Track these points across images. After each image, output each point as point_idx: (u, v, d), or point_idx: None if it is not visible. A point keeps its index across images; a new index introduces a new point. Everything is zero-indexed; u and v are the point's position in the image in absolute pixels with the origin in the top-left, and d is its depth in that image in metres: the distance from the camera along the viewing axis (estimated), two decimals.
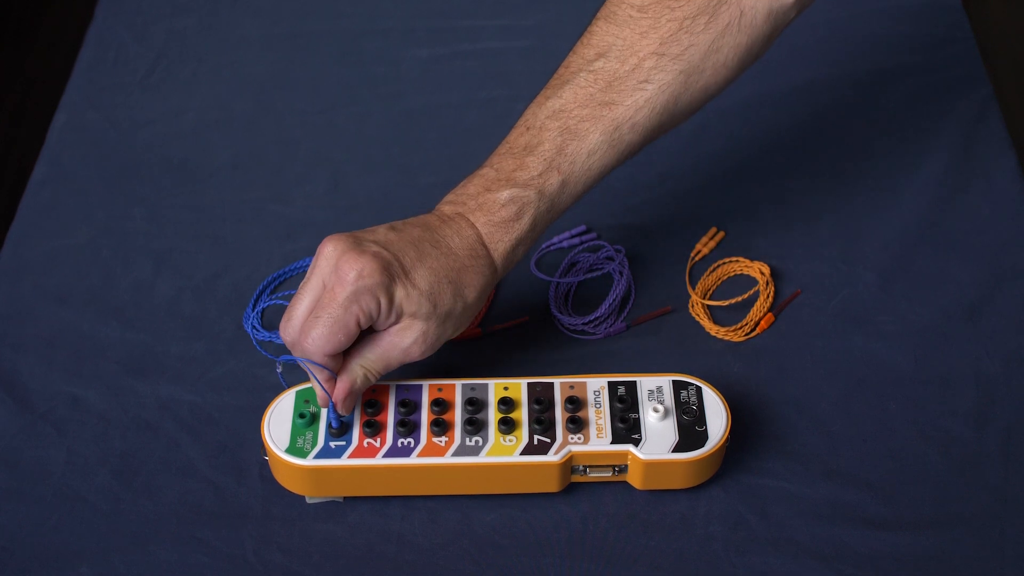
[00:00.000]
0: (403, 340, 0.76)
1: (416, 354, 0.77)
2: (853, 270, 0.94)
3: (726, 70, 0.79)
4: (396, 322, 0.76)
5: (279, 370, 0.79)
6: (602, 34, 0.80)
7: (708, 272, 0.94)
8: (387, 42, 1.16)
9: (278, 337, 0.90)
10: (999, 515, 0.79)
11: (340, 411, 0.77)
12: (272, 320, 0.92)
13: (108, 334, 0.91)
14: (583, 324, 0.90)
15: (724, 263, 0.95)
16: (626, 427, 0.78)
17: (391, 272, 0.74)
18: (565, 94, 0.80)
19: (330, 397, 0.77)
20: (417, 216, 0.79)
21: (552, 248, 0.97)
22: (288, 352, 0.77)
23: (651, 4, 0.78)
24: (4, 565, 0.77)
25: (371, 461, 0.77)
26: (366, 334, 0.77)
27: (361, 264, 0.73)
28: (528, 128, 0.80)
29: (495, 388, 0.81)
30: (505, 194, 0.78)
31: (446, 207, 0.80)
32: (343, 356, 0.76)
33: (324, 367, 0.75)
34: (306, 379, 0.80)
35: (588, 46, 0.80)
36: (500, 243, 0.78)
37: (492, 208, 0.78)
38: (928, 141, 1.04)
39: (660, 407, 0.79)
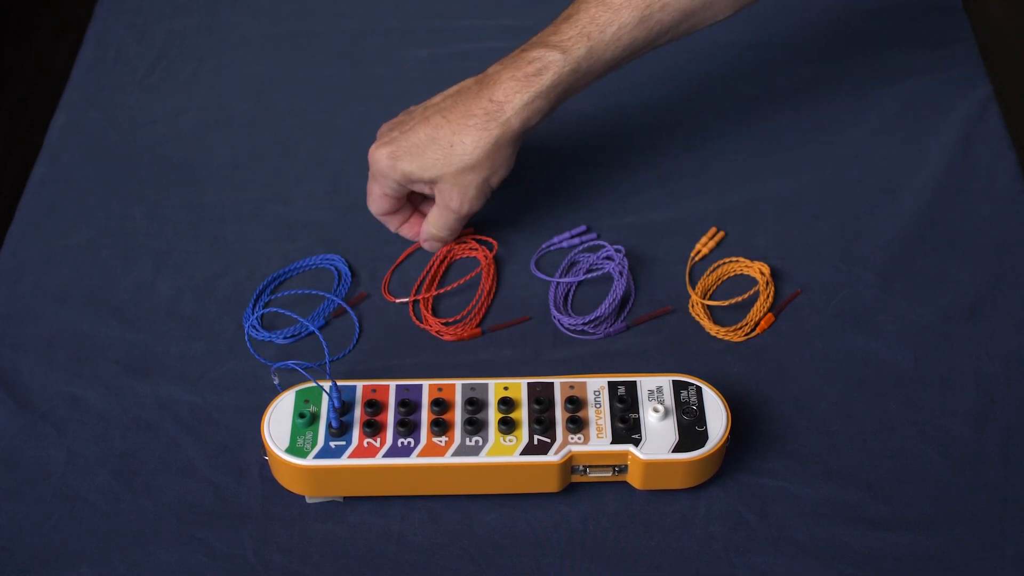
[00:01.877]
0: (442, 199, 0.90)
1: (456, 207, 0.89)
2: (853, 270, 0.94)
3: None
4: (433, 188, 0.89)
5: (276, 381, 0.79)
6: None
7: (708, 272, 0.94)
8: (387, 42, 1.16)
9: (277, 338, 0.90)
10: (999, 515, 0.79)
11: (432, 247, 0.94)
12: (272, 320, 0.92)
13: (108, 334, 0.91)
14: (583, 324, 0.90)
15: (724, 263, 0.95)
16: (626, 427, 0.78)
17: (397, 155, 0.88)
18: None
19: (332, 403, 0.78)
20: (465, 80, 0.90)
21: (552, 248, 0.97)
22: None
23: None
24: (4, 565, 0.77)
25: (371, 461, 0.77)
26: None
27: (374, 155, 0.90)
28: (571, 4, 0.89)
29: (495, 388, 0.81)
30: (534, 53, 0.87)
31: (490, 67, 0.89)
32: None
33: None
34: (305, 380, 0.80)
35: None
36: (517, 95, 0.86)
37: (519, 65, 0.87)
38: (928, 141, 1.04)
39: (660, 407, 0.79)
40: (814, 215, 0.99)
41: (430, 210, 0.92)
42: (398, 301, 0.93)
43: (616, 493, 0.81)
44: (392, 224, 0.95)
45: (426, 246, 0.95)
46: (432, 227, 0.92)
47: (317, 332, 0.82)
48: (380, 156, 0.89)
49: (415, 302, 0.93)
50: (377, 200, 0.93)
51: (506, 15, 1.18)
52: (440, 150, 0.87)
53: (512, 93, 0.86)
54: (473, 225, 0.97)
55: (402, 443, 0.78)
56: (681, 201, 1.00)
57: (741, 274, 0.94)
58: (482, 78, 0.89)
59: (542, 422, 0.78)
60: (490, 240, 0.96)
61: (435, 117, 0.88)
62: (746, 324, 0.90)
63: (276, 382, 0.79)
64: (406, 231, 0.95)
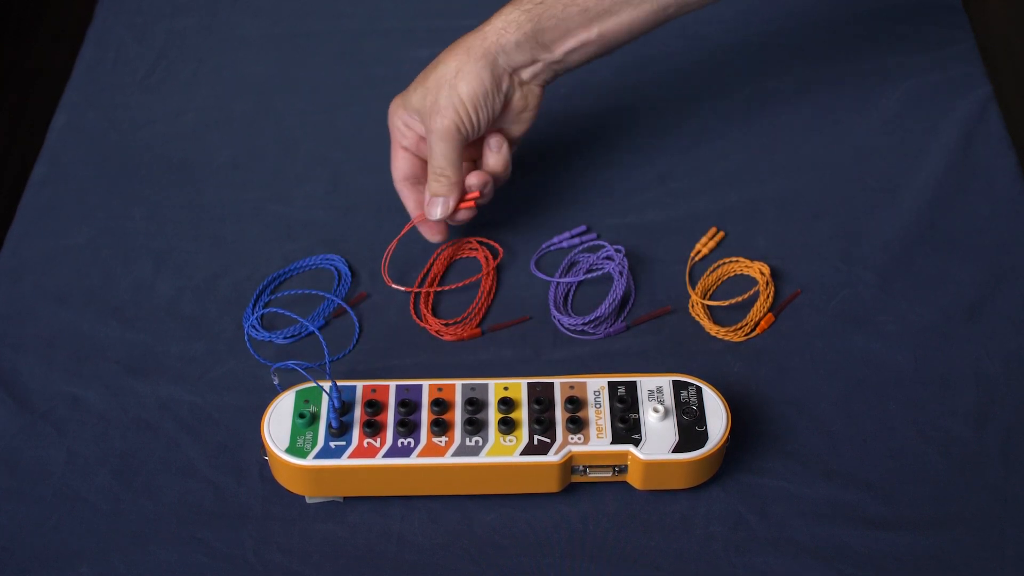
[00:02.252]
0: (432, 130, 0.89)
1: (430, 123, 0.88)
2: (853, 270, 0.94)
3: None
4: (430, 119, 0.88)
5: (276, 381, 0.79)
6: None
7: (708, 272, 0.94)
8: (387, 42, 1.16)
9: (277, 338, 0.90)
10: (999, 515, 0.79)
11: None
12: (272, 320, 0.92)
13: (108, 334, 0.91)
14: (583, 324, 0.90)
15: (724, 263, 0.95)
16: (626, 427, 0.78)
17: (403, 96, 0.91)
18: None
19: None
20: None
21: (552, 248, 0.97)
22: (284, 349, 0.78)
23: None
24: (4, 565, 0.77)
25: (371, 461, 0.77)
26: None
27: (390, 108, 0.93)
28: None
29: (495, 388, 0.81)
30: None
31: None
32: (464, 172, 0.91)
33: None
34: (305, 380, 0.80)
35: None
36: (498, 15, 0.88)
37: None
38: (928, 141, 1.04)
39: (660, 407, 0.79)
40: (814, 215, 0.99)
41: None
42: (398, 287, 0.92)
43: (616, 493, 0.81)
44: (411, 200, 0.94)
45: (429, 211, 0.91)
46: (433, 179, 0.90)
47: (317, 332, 0.82)
48: (391, 106, 0.92)
49: (416, 295, 0.93)
50: (394, 158, 0.93)
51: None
52: (427, 74, 0.89)
53: (500, 15, 0.88)
54: (476, 227, 0.97)
55: (402, 443, 0.78)
56: (681, 201, 1.00)
57: (741, 274, 0.94)
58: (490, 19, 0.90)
59: (542, 422, 0.78)
60: (495, 245, 0.96)
61: (433, 64, 0.90)
62: (746, 324, 0.90)
63: (276, 382, 0.79)
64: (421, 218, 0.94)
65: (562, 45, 0.88)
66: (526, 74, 0.90)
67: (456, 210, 0.91)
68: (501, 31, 0.87)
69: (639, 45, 0.94)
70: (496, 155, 0.92)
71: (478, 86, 0.87)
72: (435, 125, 0.88)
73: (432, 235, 0.93)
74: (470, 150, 0.93)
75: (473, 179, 0.91)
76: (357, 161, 1.05)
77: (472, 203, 0.91)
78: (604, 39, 0.88)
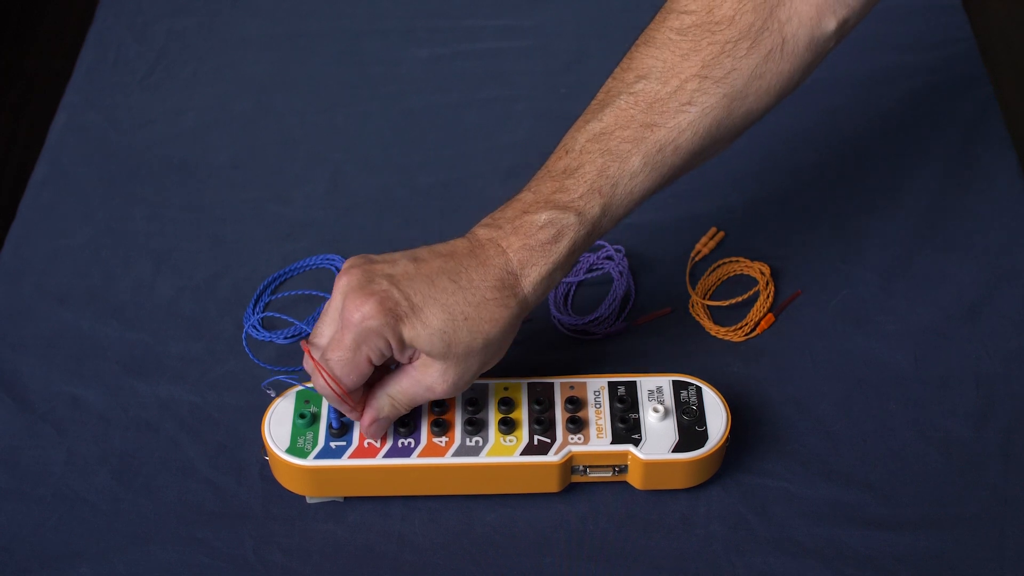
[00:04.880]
0: (425, 378, 0.74)
1: (441, 392, 0.74)
2: (853, 270, 0.94)
3: (768, 96, 0.77)
4: (415, 358, 0.74)
5: (272, 393, 0.79)
6: (642, 57, 0.77)
7: (708, 272, 0.94)
8: (387, 42, 1.16)
9: (278, 338, 0.90)
10: (999, 515, 0.79)
11: (370, 438, 0.77)
12: (272, 321, 0.92)
13: (108, 334, 0.91)
14: (583, 324, 0.90)
15: (724, 263, 0.95)
16: (626, 427, 0.78)
17: (397, 312, 0.71)
18: (606, 117, 0.76)
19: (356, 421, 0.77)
20: (448, 241, 0.75)
21: None
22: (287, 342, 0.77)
23: (691, 27, 0.76)
24: (4, 565, 0.77)
25: (371, 461, 0.77)
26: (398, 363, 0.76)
27: (365, 307, 0.71)
28: (568, 151, 0.77)
29: (495, 388, 0.81)
30: (543, 216, 0.74)
31: (481, 231, 0.76)
32: (370, 383, 0.76)
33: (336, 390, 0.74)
34: (305, 380, 0.80)
35: (628, 70, 0.77)
36: (534, 268, 0.74)
37: (529, 231, 0.74)
38: (928, 141, 1.04)
39: (660, 407, 0.79)
40: (814, 215, 0.99)
41: (389, 379, 0.76)
42: None
43: (616, 493, 0.81)
44: (355, 401, 0.75)
45: (370, 430, 0.76)
46: (389, 402, 0.76)
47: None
48: (370, 311, 0.71)
49: None
50: (361, 366, 0.72)
51: (506, 15, 1.18)
52: (452, 321, 0.72)
53: (528, 265, 0.74)
54: None
55: (402, 443, 0.78)
56: (681, 201, 1.00)
57: (741, 274, 0.94)
58: (476, 242, 0.75)
59: (542, 422, 0.78)
60: None
61: (440, 279, 0.73)
62: (746, 324, 0.90)
63: (271, 393, 0.79)
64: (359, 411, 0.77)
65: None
66: None
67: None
68: (541, 295, 0.75)
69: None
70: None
71: (502, 355, 0.76)
72: (442, 391, 0.74)
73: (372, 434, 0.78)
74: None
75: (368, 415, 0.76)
76: (357, 161, 1.05)
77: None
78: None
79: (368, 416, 0.76)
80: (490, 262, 0.74)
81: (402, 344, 0.72)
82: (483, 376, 0.81)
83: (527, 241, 0.74)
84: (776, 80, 0.77)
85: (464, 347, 0.72)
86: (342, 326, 0.72)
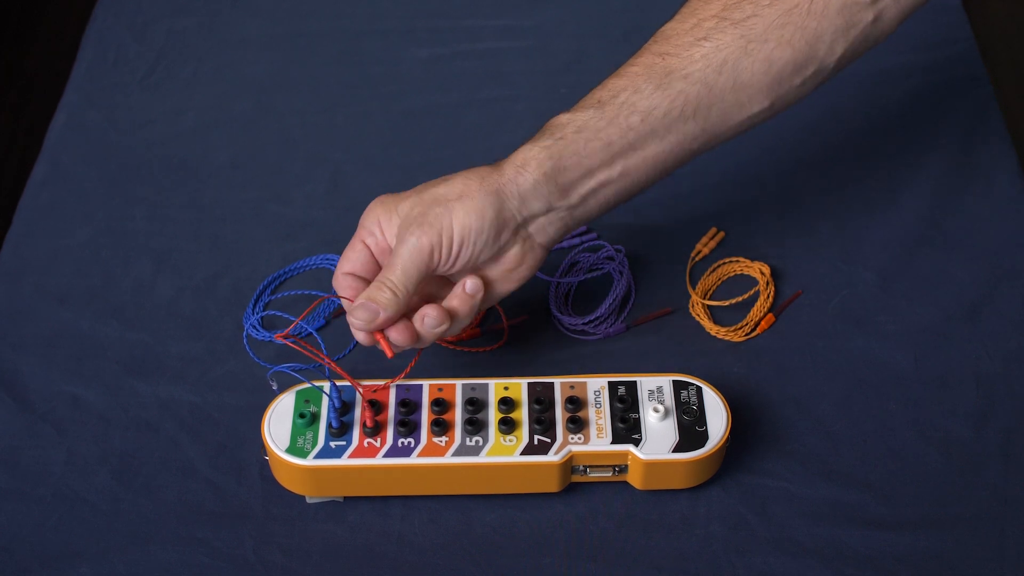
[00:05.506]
0: (407, 237, 0.78)
1: (426, 248, 0.77)
2: (853, 270, 0.94)
3: (792, 49, 0.79)
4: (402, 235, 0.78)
5: (274, 386, 0.79)
6: (674, 12, 0.82)
7: (708, 272, 0.94)
8: (387, 42, 1.16)
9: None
10: (999, 515, 0.79)
11: (360, 329, 0.79)
12: (272, 321, 0.92)
13: (108, 334, 0.91)
14: (583, 324, 0.90)
15: (724, 263, 0.95)
16: (626, 427, 0.78)
17: (384, 200, 0.80)
18: (631, 59, 0.81)
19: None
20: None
21: (553, 248, 0.96)
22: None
23: None
24: (4, 565, 0.77)
25: (371, 461, 0.77)
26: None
27: (369, 206, 0.81)
28: (596, 89, 0.82)
29: (495, 388, 0.81)
30: (554, 120, 0.80)
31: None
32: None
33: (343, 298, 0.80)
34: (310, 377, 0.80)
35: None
36: (519, 154, 0.79)
37: (530, 142, 0.80)
38: (928, 141, 1.04)
39: (660, 407, 0.79)
40: (814, 215, 0.99)
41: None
42: None
43: (616, 493, 0.81)
44: (349, 292, 0.81)
45: (354, 312, 0.78)
46: (377, 286, 0.78)
47: (315, 333, 0.83)
48: (372, 204, 0.81)
49: None
50: (350, 250, 0.81)
51: (506, 15, 1.18)
52: (427, 187, 0.79)
53: (518, 154, 0.79)
54: None
55: (402, 443, 0.78)
56: (681, 201, 1.00)
57: (741, 274, 0.94)
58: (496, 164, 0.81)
59: (542, 422, 0.78)
60: None
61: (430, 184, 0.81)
62: (746, 324, 0.90)
63: (275, 387, 0.79)
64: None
65: (582, 186, 0.80)
66: (533, 227, 0.80)
67: (383, 332, 0.79)
68: (519, 168, 0.78)
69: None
70: (466, 300, 0.80)
71: (475, 220, 0.77)
72: (409, 238, 0.77)
73: (359, 331, 0.80)
74: (431, 284, 0.83)
75: (430, 314, 0.79)
76: (357, 161, 1.05)
77: (412, 337, 0.79)
78: (627, 178, 0.81)
79: (365, 310, 0.78)
80: (493, 165, 0.80)
81: (388, 217, 0.80)
82: (483, 376, 0.81)
83: (524, 147, 0.80)
84: (800, 35, 0.79)
85: (429, 196, 0.78)
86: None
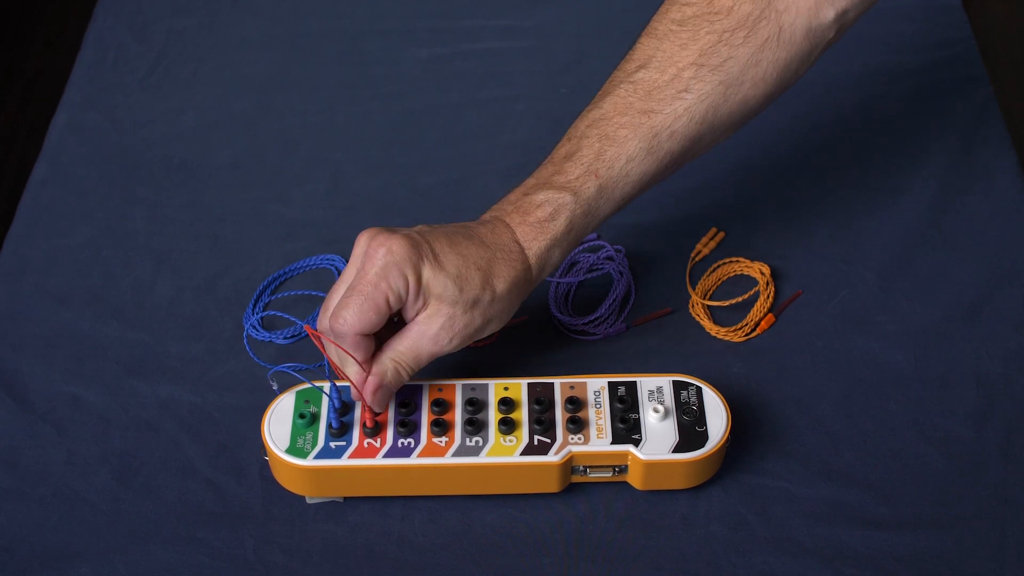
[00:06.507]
0: (431, 327, 0.76)
1: (444, 341, 0.77)
2: (853, 270, 0.94)
3: (765, 84, 0.80)
4: (424, 307, 0.76)
5: (274, 386, 0.79)
6: (643, 48, 0.81)
7: (708, 272, 0.94)
8: (387, 42, 1.16)
9: (278, 338, 0.90)
10: (999, 515, 0.79)
11: (374, 408, 0.77)
12: (272, 321, 0.92)
13: (108, 334, 0.91)
14: (583, 324, 0.90)
15: (724, 263, 0.95)
16: (626, 427, 0.78)
17: (420, 252, 0.75)
18: (605, 104, 0.80)
19: (361, 393, 0.76)
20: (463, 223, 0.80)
21: None
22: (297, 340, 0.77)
23: (691, 18, 0.79)
24: (4, 565, 0.77)
25: (371, 461, 0.77)
26: (398, 327, 0.78)
27: (390, 242, 0.74)
28: (569, 139, 0.81)
29: (495, 388, 0.81)
30: (541, 196, 0.79)
31: (486, 214, 0.81)
32: (373, 351, 0.77)
33: (351, 356, 0.75)
34: (311, 377, 0.80)
35: (630, 60, 0.81)
36: (534, 242, 0.79)
37: (528, 209, 0.79)
38: (928, 141, 1.04)
39: (660, 407, 0.79)
40: (814, 215, 0.99)
41: (391, 342, 0.77)
42: None
43: (616, 493, 0.81)
44: (362, 349, 0.76)
45: (375, 398, 0.76)
46: (393, 365, 0.76)
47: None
48: (397, 245, 0.74)
49: None
50: (380, 304, 0.74)
51: (506, 15, 1.18)
52: (466, 268, 0.76)
53: (530, 239, 0.79)
54: None
55: (402, 443, 0.78)
56: (681, 201, 1.00)
57: (741, 274, 0.94)
58: (485, 220, 0.80)
59: (542, 422, 0.78)
60: None
61: (456, 237, 0.77)
62: (746, 324, 0.90)
63: (275, 387, 0.79)
64: (361, 381, 0.77)
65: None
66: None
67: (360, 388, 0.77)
68: (542, 269, 0.79)
69: None
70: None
71: (501, 325, 0.79)
72: (445, 342, 0.77)
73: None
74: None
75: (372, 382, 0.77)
76: (357, 161, 1.05)
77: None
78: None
79: (372, 381, 0.76)
80: (498, 230, 0.79)
81: (419, 283, 0.75)
82: (483, 376, 0.81)
83: (526, 218, 0.79)
84: (772, 68, 0.80)
85: (473, 294, 0.76)
86: (364, 264, 0.75)
